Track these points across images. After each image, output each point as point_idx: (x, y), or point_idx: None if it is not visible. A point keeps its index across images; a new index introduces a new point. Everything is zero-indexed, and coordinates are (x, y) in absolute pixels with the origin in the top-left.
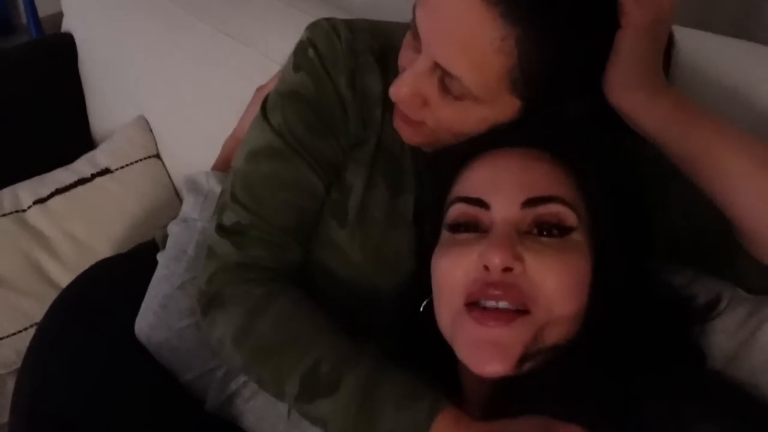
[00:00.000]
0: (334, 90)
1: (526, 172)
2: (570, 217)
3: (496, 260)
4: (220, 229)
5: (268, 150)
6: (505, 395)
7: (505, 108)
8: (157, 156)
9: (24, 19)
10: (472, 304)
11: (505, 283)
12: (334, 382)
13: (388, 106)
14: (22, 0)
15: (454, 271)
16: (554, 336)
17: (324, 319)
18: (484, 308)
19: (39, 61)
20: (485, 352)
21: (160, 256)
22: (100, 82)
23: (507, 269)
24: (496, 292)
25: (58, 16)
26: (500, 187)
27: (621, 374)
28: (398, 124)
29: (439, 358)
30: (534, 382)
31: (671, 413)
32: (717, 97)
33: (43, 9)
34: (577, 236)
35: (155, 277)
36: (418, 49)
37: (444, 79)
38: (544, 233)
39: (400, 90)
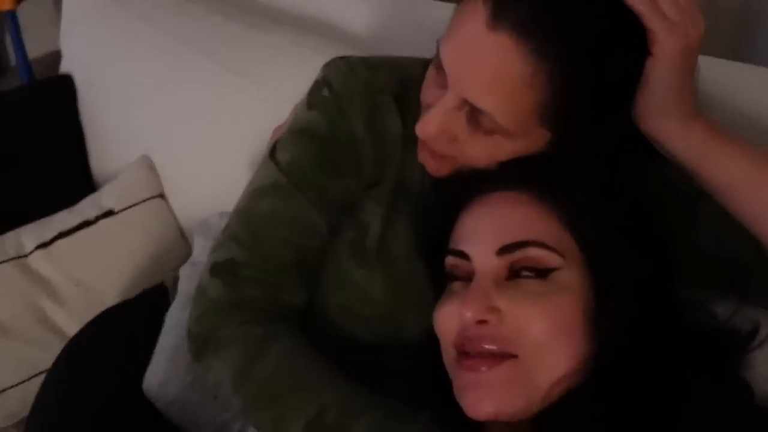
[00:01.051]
0: (349, 130)
1: (502, 219)
2: (550, 257)
3: (468, 315)
4: (213, 267)
5: (271, 188)
6: None
7: (535, 140)
8: (162, 196)
9: (13, 61)
10: (463, 353)
11: (482, 336)
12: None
13: (408, 146)
14: (12, 42)
15: (445, 321)
16: (550, 378)
17: (327, 365)
18: (472, 356)
19: (39, 103)
20: (475, 393)
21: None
22: (101, 123)
23: (481, 322)
24: (482, 345)
25: (48, 58)
26: (477, 237)
27: (655, 412)
28: (424, 157)
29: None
30: (552, 427)
31: None
32: (734, 125)
33: (33, 50)
34: (562, 275)
35: (164, 329)
36: (443, 84)
37: (474, 115)
38: (523, 275)
39: (427, 128)
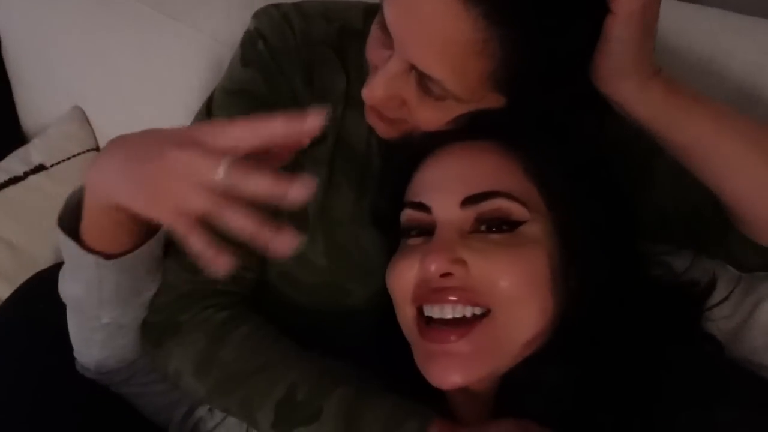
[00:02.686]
0: (288, 88)
1: (467, 170)
2: (517, 210)
3: (432, 267)
4: (172, 252)
5: None
6: (494, 405)
7: (489, 104)
8: (97, 149)
9: None
10: (421, 315)
11: (448, 287)
12: (313, 409)
13: (350, 101)
14: None
15: (401, 277)
16: (522, 336)
17: (292, 344)
18: (431, 322)
19: None
20: (442, 364)
21: None
22: (28, 74)
23: (446, 275)
24: (447, 297)
25: None
26: (439, 188)
27: (623, 369)
28: (372, 120)
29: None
30: (519, 388)
31: (706, 420)
32: (691, 69)
33: None
34: (529, 228)
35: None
36: (388, 45)
37: (422, 80)
38: (493, 230)
39: (374, 93)
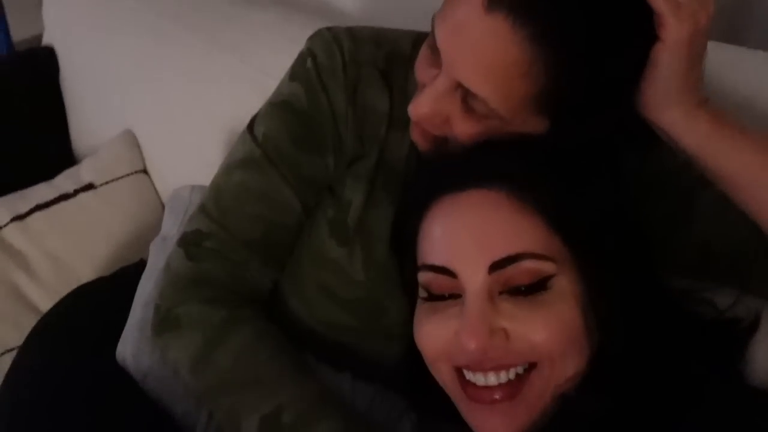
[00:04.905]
0: (329, 105)
1: (486, 230)
2: (544, 268)
3: (472, 346)
4: (180, 238)
5: (244, 161)
6: None
7: (533, 126)
8: (144, 172)
9: None
10: (461, 374)
11: (490, 358)
12: None
13: (394, 123)
14: None
15: (436, 343)
16: (564, 384)
17: (291, 359)
18: (474, 384)
19: (19, 74)
20: (488, 421)
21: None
22: (83, 97)
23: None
24: (485, 367)
25: (35, 40)
26: (463, 253)
27: (658, 403)
28: (416, 137)
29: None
30: (553, 422)
31: None
32: (734, 111)
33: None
34: (558, 281)
35: (134, 301)
36: (436, 64)
37: (467, 98)
38: (522, 290)
39: (420, 109)
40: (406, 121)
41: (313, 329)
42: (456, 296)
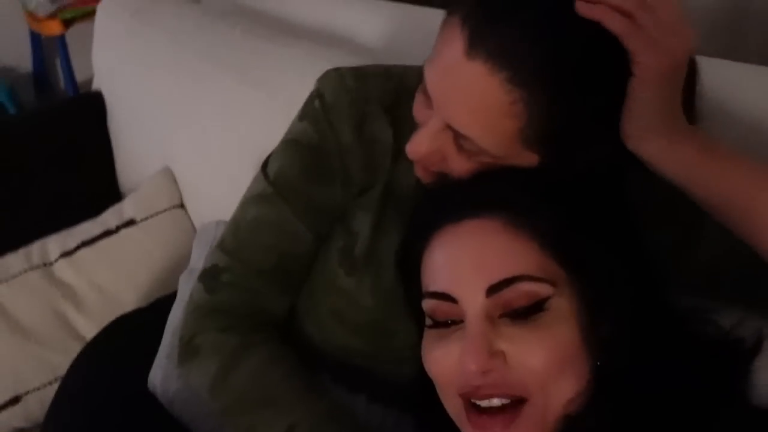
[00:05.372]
0: (336, 139)
1: (483, 254)
2: (541, 290)
3: (473, 367)
4: (201, 272)
5: (258, 197)
6: None
7: (524, 161)
8: (182, 206)
9: (63, 84)
10: (468, 401)
11: (489, 384)
12: None
13: (400, 155)
14: (61, 66)
15: (442, 369)
16: (560, 409)
17: (303, 380)
18: (479, 407)
19: (70, 118)
20: None
21: None
22: (128, 137)
23: (487, 371)
24: (487, 392)
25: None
26: (462, 278)
27: (660, 425)
28: (420, 172)
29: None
30: None
31: None
32: (746, 129)
33: (82, 73)
34: (555, 303)
35: (165, 329)
36: (430, 105)
37: (458, 138)
38: (521, 313)
39: (417, 149)
40: None
41: (328, 352)
42: (458, 322)
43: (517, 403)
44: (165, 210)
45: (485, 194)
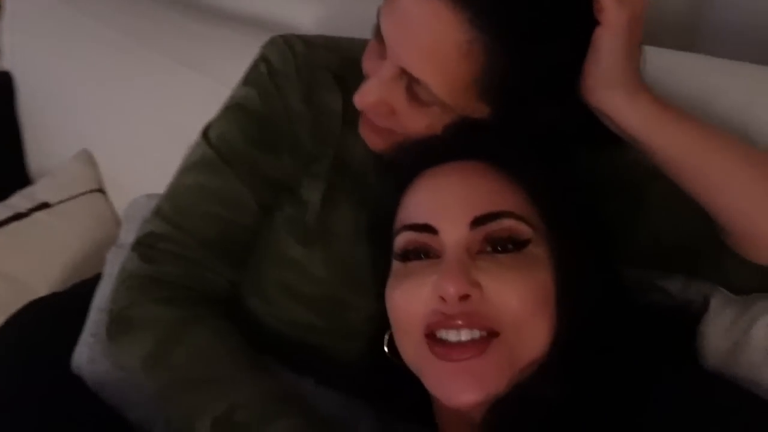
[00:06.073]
0: (285, 106)
1: (471, 190)
2: (523, 230)
3: (451, 290)
4: (134, 242)
5: (198, 163)
6: (481, 426)
7: (474, 114)
8: (101, 191)
9: None
10: (432, 337)
11: (464, 312)
12: None
13: (349, 124)
14: None
15: (410, 303)
16: (530, 355)
17: (248, 357)
18: (446, 342)
19: None
20: (458, 382)
21: None
22: (41, 120)
23: (464, 297)
24: (458, 322)
25: None
26: (446, 209)
27: (619, 390)
28: (364, 132)
29: (413, 393)
30: (510, 408)
31: None
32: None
33: None
34: (534, 249)
35: (90, 309)
36: (383, 55)
37: (411, 86)
38: (499, 249)
39: (365, 98)
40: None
41: (275, 330)
42: (434, 257)
43: (487, 339)
44: (82, 194)
45: (471, 142)
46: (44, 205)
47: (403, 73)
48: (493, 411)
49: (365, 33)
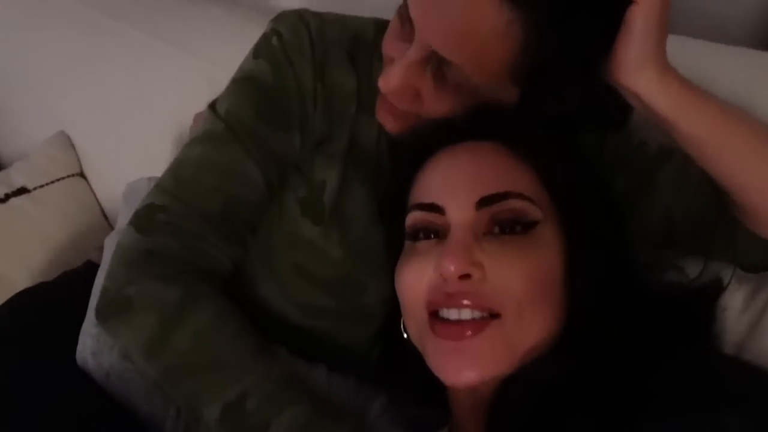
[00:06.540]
0: (297, 81)
1: (480, 170)
2: (531, 210)
3: (451, 268)
4: (132, 216)
5: (206, 135)
6: (496, 415)
7: (504, 96)
8: (81, 175)
9: None
10: (434, 316)
11: (464, 292)
12: (262, 424)
13: (362, 105)
14: None
15: (414, 282)
16: (532, 339)
17: (255, 340)
18: (447, 320)
19: None
20: (457, 361)
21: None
22: (11, 100)
23: (464, 276)
24: (459, 301)
25: None
26: (453, 188)
27: (626, 374)
28: (382, 115)
29: (426, 375)
30: (519, 389)
31: (712, 425)
32: None
33: None
34: (543, 230)
35: (91, 299)
36: (406, 37)
37: (441, 69)
38: (507, 230)
39: (391, 81)
40: (373, 105)
41: (288, 315)
42: (442, 237)
43: (487, 319)
44: (61, 178)
45: (485, 122)
46: (22, 190)
47: (432, 55)
48: (501, 393)
49: (352, 11)
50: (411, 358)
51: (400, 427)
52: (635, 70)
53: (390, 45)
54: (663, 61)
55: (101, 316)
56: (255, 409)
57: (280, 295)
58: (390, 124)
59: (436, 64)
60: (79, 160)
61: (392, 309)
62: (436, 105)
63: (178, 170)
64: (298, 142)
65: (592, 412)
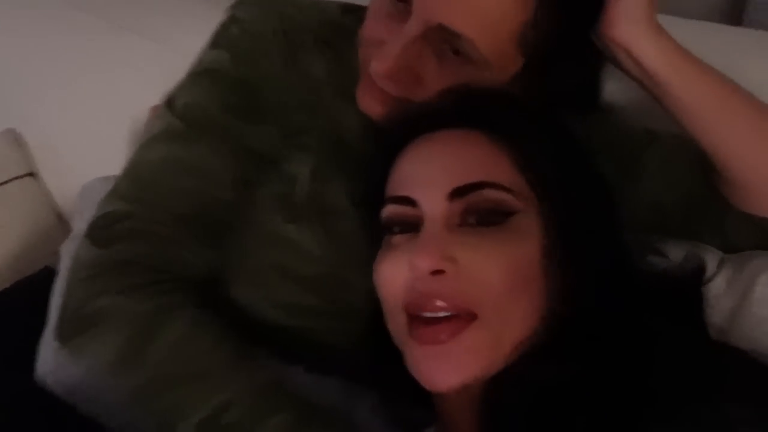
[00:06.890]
0: (263, 70)
1: (453, 159)
2: (508, 200)
3: (421, 265)
4: (88, 227)
5: (163, 134)
6: (492, 417)
7: (508, 68)
8: (32, 175)
9: None
10: (415, 318)
11: (438, 291)
12: None
13: (338, 92)
14: None
15: (391, 278)
16: (514, 334)
17: (234, 347)
18: (425, 320)
19: None
20: (435, 365)
21: None
22: None
23: (437, 272)
24: (436, 303)
25: None
26: (425, 180)
27: (619, 363)
28: (366, 100)
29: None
30: (509, 388)
31: (717, 418)
32: None
33: None
34: (521, 220)
35: (50, 310)
36: (400, 17)
37: (442, 45)
38: (483, 222)
39: (384, 65)
40: (351, 92)
41: (267, 319)
42: (416, 230)
43: (464, 320)
44: (12, 179)
45: (464, 108)
46: None
47: (432, 32)
48: (494, 393)
49: None
50: (399, 357)
51: (390, 428)
52: (627, 23)
53: (376, 26)
54: (656, 21)
55: (62, 336)
56: (237, 419)
57: (260, 297)
58: (376, 110)
59: (437, 40)
60: (31, 160)
61: (378, 306)
62: (437, 84)
63: (137, 173)
64: (271, 134)
65: (597, 411)
